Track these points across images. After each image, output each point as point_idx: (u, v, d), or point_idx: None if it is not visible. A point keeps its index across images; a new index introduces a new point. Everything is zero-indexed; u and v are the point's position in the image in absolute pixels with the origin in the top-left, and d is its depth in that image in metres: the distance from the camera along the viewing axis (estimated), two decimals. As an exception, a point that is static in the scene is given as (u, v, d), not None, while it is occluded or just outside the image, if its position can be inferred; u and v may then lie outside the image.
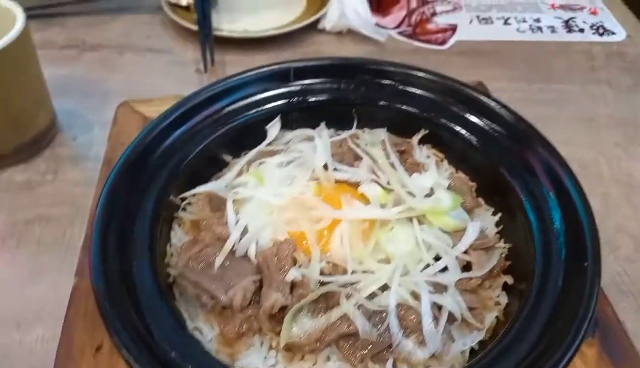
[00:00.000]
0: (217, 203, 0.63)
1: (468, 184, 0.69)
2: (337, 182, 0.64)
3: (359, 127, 0.74)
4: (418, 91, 0.73)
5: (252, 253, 0.58)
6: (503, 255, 0.61)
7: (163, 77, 1.04)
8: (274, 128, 0.71)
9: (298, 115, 0.74)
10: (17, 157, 0.83)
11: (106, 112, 0.89)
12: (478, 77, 0.94)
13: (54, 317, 0.62)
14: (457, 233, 0.61)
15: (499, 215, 0.66)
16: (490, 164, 0.67)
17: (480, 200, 0.68)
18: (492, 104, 0.69)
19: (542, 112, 0.97)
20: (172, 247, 0.62)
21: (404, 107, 0.73)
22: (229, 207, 0.60)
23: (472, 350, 0.55)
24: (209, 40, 1.05)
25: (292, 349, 0.53)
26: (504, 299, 0.59)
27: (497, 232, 0.65)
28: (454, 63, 1.08)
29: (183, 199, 0.65)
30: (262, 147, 0.70)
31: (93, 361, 0.54)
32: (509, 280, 0.60)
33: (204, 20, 1.07)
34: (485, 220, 0.66)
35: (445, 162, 0.73)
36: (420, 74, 0.73)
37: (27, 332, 0.64)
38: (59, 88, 0.94)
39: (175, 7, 1.14)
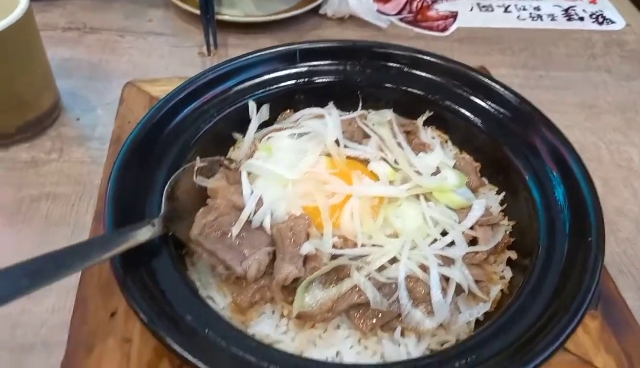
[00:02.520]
0: (233, 176, 0.64)
1: (472, 164, 0.70)
2: (347, 158, 0.65)
3: (364, 108, 0.75)
4: (423, 74, 0.74)
5: (267, 225, 0.59)
6: (507, 232, 0.63)
7: (165, 60, 1.04)
8: (262, 114, 0.72)
9: (304, 97, 0.75)
10: (22, 135, 0.83)
11: (109, 93, 0.91)
12: (479, 64, 0.95)
13: (64, 289, 0.63)
14: (462, 211, 0.63)
15: (503, 194, 0.68)
16: (494, 144, 0.68)
17: (484, 179, 0.69)
18: (496, 86, 0.71)
19: (543, 98, 0.98)
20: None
21: (409, 89, 0.74)
22: (244, 178, 0.61)
23: (477, 321, 0.57)
24: (211, 24, 1.05)
25: (303, 318, 0.54)
26: (508, 274, 0.61)
27: (501, 211, 0.66)
28: (455, 50, 1.09)
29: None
30: (251, 130, 0.70)
31: (108, 326, 0.55)
32: (513, 255, 0.62)
33: (206, 4, 1.08)
34: (490, 199, 0.67)
35: (450, 143, 0.74)
36: (426, 57, 0.74)
37: (37, 303, 0.64)
38: (61, 69, 0.94)
39: (177, -10, 1.13)
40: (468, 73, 0.72)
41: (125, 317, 0.56)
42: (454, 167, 0.68)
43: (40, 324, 0.62)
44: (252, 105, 0.71)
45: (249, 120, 0.71)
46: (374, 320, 0.53)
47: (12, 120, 0.82)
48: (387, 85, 0.75)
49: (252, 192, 0.60)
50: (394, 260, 0.56)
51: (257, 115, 0.71)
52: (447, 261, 0.57)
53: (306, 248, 0.55)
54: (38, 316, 0.63)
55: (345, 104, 0.75)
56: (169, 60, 1.04)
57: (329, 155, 0.65)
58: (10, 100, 0.80)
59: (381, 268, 0.55)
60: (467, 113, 0.71)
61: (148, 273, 0.51)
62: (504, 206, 0.67)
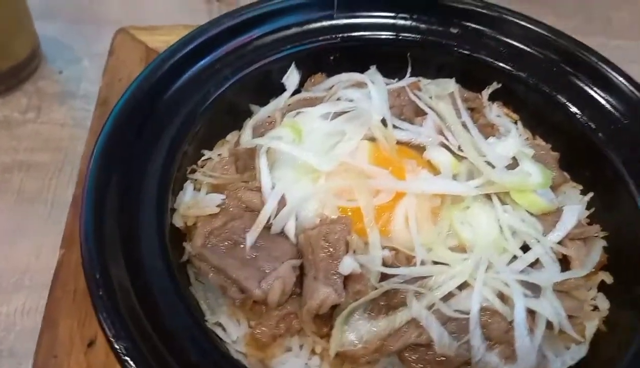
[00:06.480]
0: (244, 163, 0.50)
1: (550, 154, 0.56)
2: (397, 143, 0.51)
3: (413, 75, 0.61)
4: (495, 34, 0.59)
5: (291, 231, 0.45)
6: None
7: (166, 4, 0.91)
8: (291, 79, 0.58)
9: (341, 57, 0.61)
10: (-7, 89, 0.71)
11: (98, 42, 0.79)
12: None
13: (37, 285, 0.56)
14: (545, 217, 0.49)
15: (590, 194, 0.54)
16: (581, 129, 0.54)
17: (566, 174, 0.55)
18: (590, 56, 0.57)
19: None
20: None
21: (474, 54, 0.60)
22: (263, 164, 0.47)
23: (567, 369, 0.44)
24: (221, -36, 0.90)
25: (342, 358, 0.42)
26: (602, 303, 0.48)
27: (588, 217, 0.53)
28: (507, 9, 0.95)
29: (201, 157, 0.53)
30: (282, 100, 0.57)
31: (84, 359, 0.43)
32: (608, 278, 0.48)
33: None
34: (573, 201, 0.53)
35: (520, 125, 0.60)
36: (499, 14, 0.60)
37: (5, 301, 0.55)
38: (42, 10, 0.81)
39: None
40: (553, 38, 0.59)
41: (107, 348, 0.42)
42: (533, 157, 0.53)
43: (6, 329, 0.54)
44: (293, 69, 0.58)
45: (270, 88, 0.58)
46: (436, 367, 0.40)
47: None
48: (445, 45, 0.60)
49: (273, 185, 0.46)
50: (462, 285, 0.43)
51: (289, 80, 0.57)
52: (533, 289, 0.43)
53: (348, 265, 0.42)
54: (5, 318, 0.54)
55: (391, 69, 0.61)
56: (169, 6, 0.91)
57: (372, 139, 0.51)
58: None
59: (447, 296, 0.42)
60: (546, 87, 0.57)
61: (137, 291, 0.38)
62: (591, 210, 0.53)
